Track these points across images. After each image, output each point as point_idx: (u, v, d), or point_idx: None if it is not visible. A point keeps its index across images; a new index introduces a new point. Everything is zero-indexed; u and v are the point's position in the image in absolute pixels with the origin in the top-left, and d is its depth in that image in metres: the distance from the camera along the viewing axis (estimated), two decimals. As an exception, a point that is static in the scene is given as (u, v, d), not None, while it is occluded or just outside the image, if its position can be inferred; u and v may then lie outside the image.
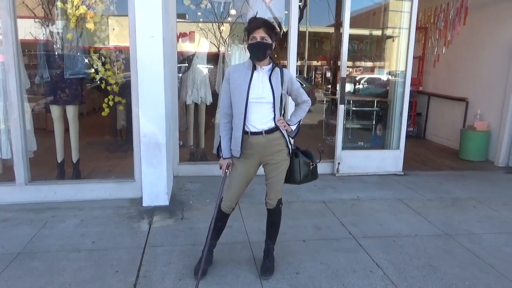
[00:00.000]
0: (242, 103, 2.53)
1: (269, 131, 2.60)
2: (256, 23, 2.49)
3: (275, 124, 2.60)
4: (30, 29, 4.52)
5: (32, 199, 4.07)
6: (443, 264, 3.05)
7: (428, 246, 3.35)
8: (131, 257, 3.04)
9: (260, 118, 2.57)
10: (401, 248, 3.29)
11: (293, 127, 2.72)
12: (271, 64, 2.59)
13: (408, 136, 5.64)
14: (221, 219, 2.79)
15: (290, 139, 2.73)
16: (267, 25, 2.48)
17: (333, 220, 3.84)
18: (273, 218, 2.85)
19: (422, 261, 3.09)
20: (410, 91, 5.50)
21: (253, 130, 2.58)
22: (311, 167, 2.77)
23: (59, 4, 4.30)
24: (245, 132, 2.58)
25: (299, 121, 2.77)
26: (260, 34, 2.46)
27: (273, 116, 2.59)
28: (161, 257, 3.04)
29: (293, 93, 2.71)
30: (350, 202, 4.36)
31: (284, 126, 2.64)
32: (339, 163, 5.31)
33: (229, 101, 2.62)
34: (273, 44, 2.53)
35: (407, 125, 5.50)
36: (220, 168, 2.72)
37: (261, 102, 2.55)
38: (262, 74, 2.56)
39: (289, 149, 2.69)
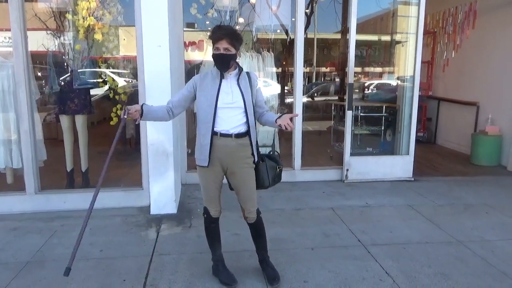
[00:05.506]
0: (210, 110, 2.52)
1: (239, 135, 2.58)
2: (220, 33, 2.48)
3: (246, 129, 2.59)
4: (39, 41, 4.61)
5: (42, 208, 4.11)
6: (455, 272, 2.99)
7: (440, 253, 3.28)
8: (138, 265, 3.04)
9: (232, 123, 2.56)
10: (411, 256, 3.23)
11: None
12: (237, 69, 2.60)
13: (418, 141, 5.57)
14: (213, 221, 2.79)
15: (257, 148, 2.69)
16: (230, 36, 2.47)
17: (342, 227, 3.79)
18: (257, 229, 2.81)
19: (433, 269, 3.03)
20: (420, 96, 5.44)
21: (223, 132, 2.56)
22: (277, 170, 2.75)
23: (68, 16, 4.38)
24: (214, 133, 2.56)
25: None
26: (223, 45, 2.45)
27: (245, 120, 2.58)
28: (168, 266, 3.03)
29: (258, 98, 2.70)
30: (359, 209, 4.31)
31: (287, 124, 2.49)
32: (347, 170, 5.26)
33: (182, 97, 2.62)
34: (237, 53, 2.55)
35: (417, 130, 5.42)
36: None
37: (232, 107, 2.55)
38: (230, 79, 2.58)
39: (254, 157, 2.66)
